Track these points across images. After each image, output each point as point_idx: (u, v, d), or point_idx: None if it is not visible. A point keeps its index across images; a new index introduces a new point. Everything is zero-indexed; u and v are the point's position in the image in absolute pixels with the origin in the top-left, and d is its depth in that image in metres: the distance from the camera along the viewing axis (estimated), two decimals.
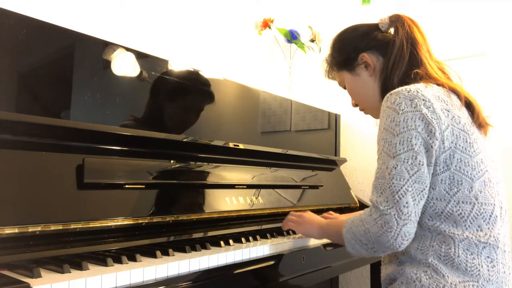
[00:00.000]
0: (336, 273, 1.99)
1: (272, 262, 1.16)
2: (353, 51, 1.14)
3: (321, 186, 1.85)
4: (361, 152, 2.37)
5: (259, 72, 2.36)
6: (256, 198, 1.47)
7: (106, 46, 1.19)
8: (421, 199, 0.91)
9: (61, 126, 1.03)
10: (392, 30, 1.12)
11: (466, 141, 0.95)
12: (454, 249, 0.92)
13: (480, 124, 1.02)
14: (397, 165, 0.91)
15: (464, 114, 0.99)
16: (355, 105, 1.23)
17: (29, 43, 1.02)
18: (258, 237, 1.29)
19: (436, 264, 0.92)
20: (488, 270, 0.92)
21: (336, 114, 2.23)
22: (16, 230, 0.85)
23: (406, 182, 0.90)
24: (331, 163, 2.04)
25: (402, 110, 0.92)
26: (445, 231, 0.93)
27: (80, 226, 0.95)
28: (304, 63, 2.52)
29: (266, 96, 1.80)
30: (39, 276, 0.77)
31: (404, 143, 0.91)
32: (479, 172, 0.95)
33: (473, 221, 0.93)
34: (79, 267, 0.84)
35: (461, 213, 0.93)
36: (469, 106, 1.01)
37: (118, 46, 1.20)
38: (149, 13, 1.83)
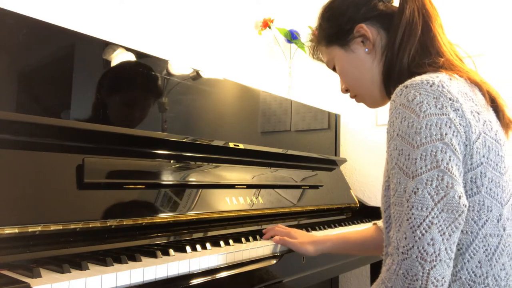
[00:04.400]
0: (336, 273, 1.99)
1: (272, 262, 1.16)
2: (348, 21, 0.93)
3: (321, 186, 1.85)
4: (361, 152, 2.37)
5: (259, 72, 2.36)
6: (256, 198, 1.47)
7: (106, 46, 1.19)
8: (452, 232, 0.69)
9: (61, 126, 1.03)
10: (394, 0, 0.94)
11: (498, 154, 0.76)
12: None
13: (506, 124, 0.83)
14: (417, 189, 0.70)
15: (492, 116, 0.81)
16: (346, 90, 1.01)
17: (29, 43, 1.02)
18: (258, 237, 1.29)
19: None
20: None
21: (336, 114, 2.23)
22: (16, 230, 0.85)
23: (430, 212, 0.69)
24: (331, 163, 2.04)
25: (424, 112, 0.72)
26: (465, 279, 0.74)
27: (80, 226, 0.95)
28: (304, 63, 2.52)
29: (266, 96, 1.80)
30: (39, 276, 0.77)
31: (427, 158, 0.70)
32: (508, 193, 0.77)
33: (499, 258, 0.75)
34: (79, 267, 0.84)
35: (487, 250, 0.74)
36: (493, 102, 0.83)
37: (118, 46, 1.20)
38: (149, 13, 1.83)
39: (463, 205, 0.70)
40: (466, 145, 0.73)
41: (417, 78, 0.76)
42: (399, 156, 0.73)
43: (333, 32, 0.96)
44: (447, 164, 0.70)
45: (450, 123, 0.71)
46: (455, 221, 0.69)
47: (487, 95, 0.82)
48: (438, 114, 0.71)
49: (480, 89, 0.82)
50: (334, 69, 1.00)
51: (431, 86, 0.73)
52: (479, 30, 2.04)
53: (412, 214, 0.69)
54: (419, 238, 0.68)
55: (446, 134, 0.71)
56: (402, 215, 0.71)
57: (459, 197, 0.69)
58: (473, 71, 0.86)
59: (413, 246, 0.69)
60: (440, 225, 0.68)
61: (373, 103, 0.97)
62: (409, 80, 0.76)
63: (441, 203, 0.69)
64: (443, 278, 0.68)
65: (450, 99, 0.73)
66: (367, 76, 0.93)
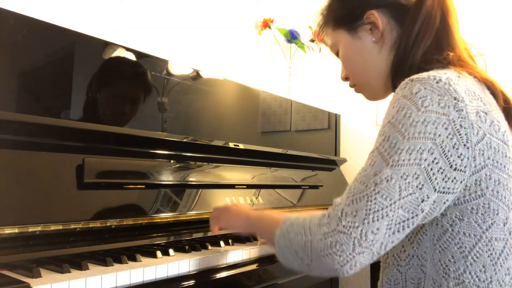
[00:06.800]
0: None
1: (272, 262, 1.16)
2: (360, 5, 0.88)
3: (321, 186, 1.85)
4: (361, 152, 2.37)
5: (259, 72, 2.36)
6: (256, 198, 1.47)
7: (106, 46, 1.19)
8: (398, 231, 0.69)
9: (61, 126, 1.03)
10: None
11: (506, 156, 0.73)
12: None
13: None
14: (391, 178, 0.68)
15: (501, 116, 0.78)
16: (345, 78, 0.97)
17: (29, 43, 1.02)
18: (258, 237, 1.29)
19: None
20: None
21: (336, 114, 2.22)
22: (16, 230, 0.85)
23: (390, 205, 0.68)
24: (331, 163, 2.04)
25: (426, 107, 0.70)
26: (468, 283, 0.72)
27: (80, 226, 0.95)
28: (304, 63, 2.52)
29: (266, 96, 1.80)
30: (39, 276, 0.77)
31: (412, 153, 0.68)
32: None
33: (504, 262, 0.72)
34: (79, 267, 0.84)
35: (491, 254, 0.72)
36: (506, 103, 0.81)
37: (118, 46, 1.20)
38: (149, 13, 1.83)
39: (421, 209, 0.69)
40: (468, 148, 0.70)
41: (424, 74, 0.74)
42: (383, 141, 0.73)
43: (342, 14, 0.92)
44: (428, 165, 0.68)
45: (447, 124, 0.69)
46: (406, 221, 0.69)
47: (500, 96, 0.79)
48: (438, 112, 0.69)
49: (493, 88, 0.80)
50: (337, 54, 0.97)
51: (437, 82, 0.71)
52: (479, 30, 2.04)
53: (375, 198, 0.68)
54: (368, 223, 0.68)
55: (439, 135, 0.69)
56: (362, 194, 0.70)
57: (422, 201, 0.69)
58: (483, 71, 0.83)
59: (358, 227, 0.68)
60: (391, 220, 0.68)
61: (372, 95, 0.94)
62: (416, 75, 0.74)
63: (403, 200, 0.68)
64: (361, 264, 0.69)
65: (455, 98, 0.70)
66: (370, 66, 0.90)
